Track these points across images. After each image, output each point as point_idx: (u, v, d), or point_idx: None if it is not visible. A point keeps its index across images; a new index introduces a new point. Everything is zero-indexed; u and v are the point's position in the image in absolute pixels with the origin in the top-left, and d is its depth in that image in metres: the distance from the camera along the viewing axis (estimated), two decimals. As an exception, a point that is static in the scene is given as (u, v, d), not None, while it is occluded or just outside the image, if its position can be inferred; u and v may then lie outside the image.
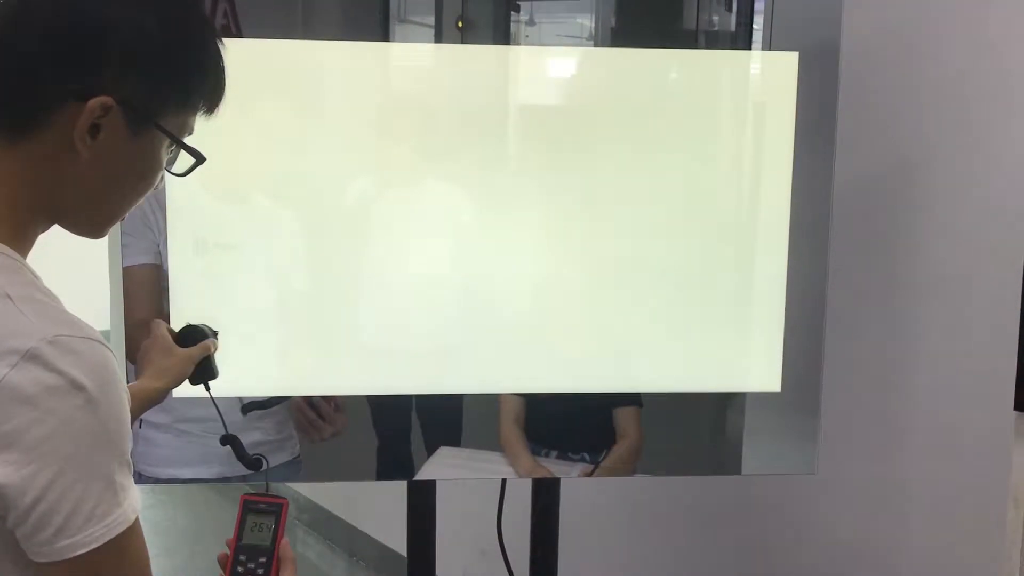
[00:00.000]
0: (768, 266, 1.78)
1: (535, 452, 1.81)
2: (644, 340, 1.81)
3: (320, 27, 1.82)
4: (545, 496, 1.88)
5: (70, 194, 0.90)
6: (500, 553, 1.84)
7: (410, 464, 1.82)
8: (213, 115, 0.96)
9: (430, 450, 1.80)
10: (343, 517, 4.10)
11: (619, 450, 1.83)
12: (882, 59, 1.94)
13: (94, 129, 0.86)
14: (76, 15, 0.86)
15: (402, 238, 1.77)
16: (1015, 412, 1.25)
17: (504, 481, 1.85)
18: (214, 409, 1.38)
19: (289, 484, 4.54)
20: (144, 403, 1.35)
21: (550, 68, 1.90)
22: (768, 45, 1.81)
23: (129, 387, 1.36)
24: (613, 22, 2.01)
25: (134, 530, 0.86)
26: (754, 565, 2.23)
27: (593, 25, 2.00)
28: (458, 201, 1.79)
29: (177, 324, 1.46)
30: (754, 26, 1.87)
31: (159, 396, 1.35)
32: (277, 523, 1.16)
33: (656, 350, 1.81)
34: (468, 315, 1.77)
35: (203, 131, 1.69)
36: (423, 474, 1.81)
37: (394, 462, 1.86)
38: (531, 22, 1.95)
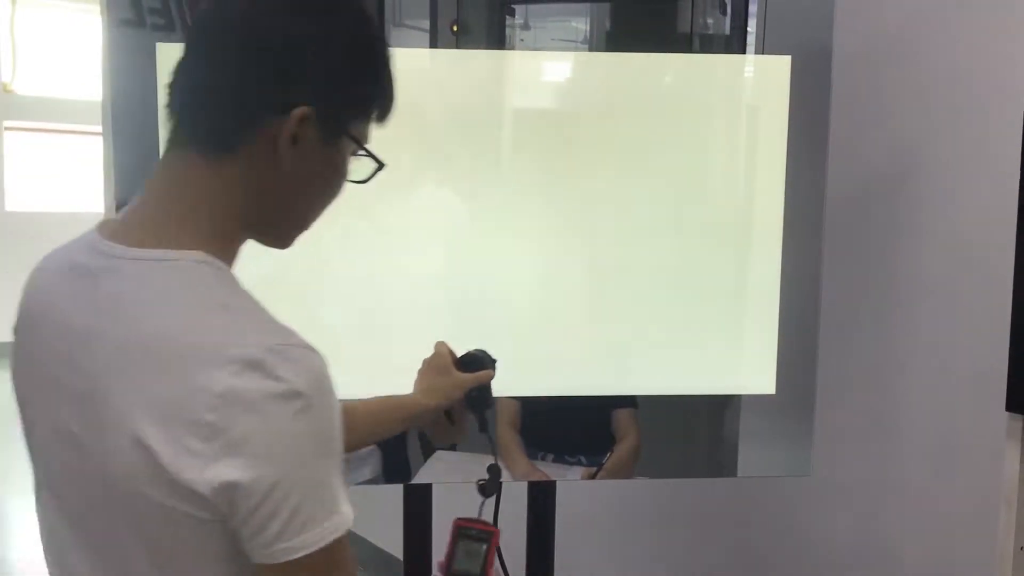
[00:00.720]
0: (762, 269, 1.79)
1: (531, 456, 1.81)
2: (640, 343, 1.81)
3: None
4: (541, 499, 1.88)
5: (269, 204, 0.93)
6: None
7: (407, 468, 1.82)
8: (383, 123, 1.00)
9: (426, 454, 1.81)
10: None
11: (620, 452, 1.83)
12: (874, 63, 1.95)
13: (293, 140, 0.90)
14: (277, 36, 0.90)
15: (398, 244, 1.77)
16: (1007, 413, 1.26)
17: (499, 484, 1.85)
18: None
19: None
20: (409, 419, 1.37)
21: (545, 72, 1.90)
22: (761, 49, 1.82)
23: (397, 399, 1.37)
24: (607, 26, 2.02)
25: (345, 538, 0.86)
26: (749, 567, 2.23)
27: (588, 29, 2.01)
28: (455, 206, 1.79)
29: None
30: (747, 30, 1.88)
31: (426, 414, 1.37)
32: (487, 551, 1.16)
33: (651, 353, 1.81)
34: (464, 319, 1.77)
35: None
36: (419, 478, 1.81)
37: (391, 466, 1.87)
38: (526, 26, 1.95)
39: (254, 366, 0.81)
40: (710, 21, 1.97)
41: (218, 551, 0.86)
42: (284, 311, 0.88)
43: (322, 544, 0.84)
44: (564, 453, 1.83)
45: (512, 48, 1.89)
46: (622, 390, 1.82)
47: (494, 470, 1.28)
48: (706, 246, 1.79)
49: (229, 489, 0.81)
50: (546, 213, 1.76)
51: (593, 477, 1.85)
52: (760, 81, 1.82)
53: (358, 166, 0.98)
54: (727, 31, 1.94)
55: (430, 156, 1.78)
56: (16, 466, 5.14)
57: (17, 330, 1.00)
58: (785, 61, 1.74)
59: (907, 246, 1.94)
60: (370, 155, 0.97)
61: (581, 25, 2.03)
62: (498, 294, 1.78)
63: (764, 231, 1.79)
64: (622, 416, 1.86)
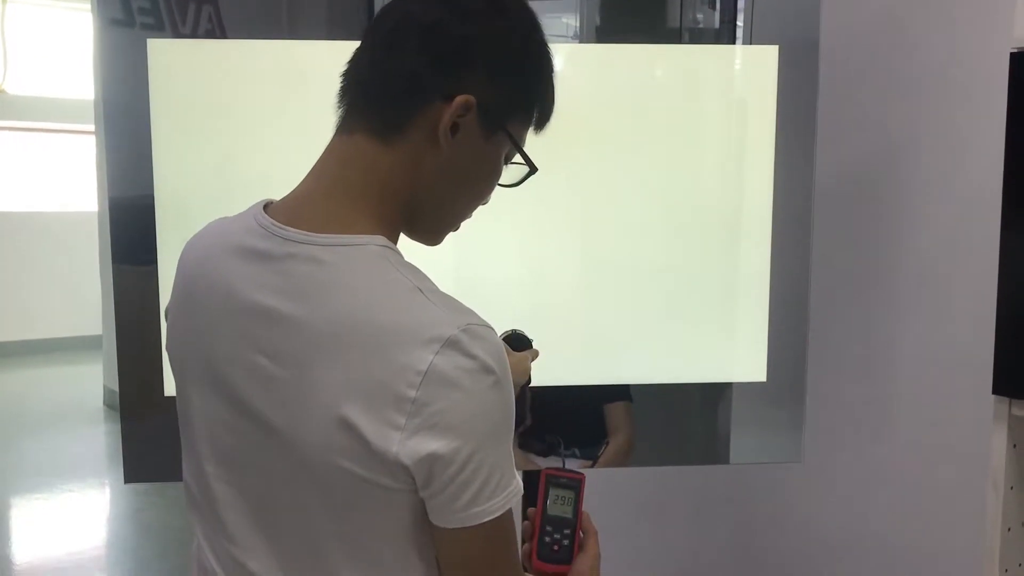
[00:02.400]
0: (752, 259, 1.80)
1: (525, 449, 1.82)
2: (633, 333, 1.82)
3: (306, 27, 1.83)
4: (534, 490, 1.89)
5: (426, 192, 0.96)
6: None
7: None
8: (541, 131, 1.02)
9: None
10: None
11: (614, 447, 1.85)
12: (861, 54, 1.97)
13: (454, 127, 0.93)
14: (452, 28, 0.93)
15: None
16: (994, 396, 1.28)
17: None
18: None
19: None
20: None
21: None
22: (749, 40, 1.84)
23: None
24: (597, 18, 2.03)
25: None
26: (741, 554, 2.25)
27: (578, 23, 2.02)
28: None
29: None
30: (736, 21, 1.89)
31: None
32: (577, 496, 1.18)
33: (645, 343, 1.83)
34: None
35: (193, 136, 1.70)
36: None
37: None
38: None
39: (451, 345, 0.86)
40: (698, 13, 1.98)
41: (403, 518, 0.91)
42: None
43: (506, 508, 0.90)
44: (559, 446, 1.85)
45: None
46: (617, 380, 1.84)
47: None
48: (697, 237, 1.81)
49: (430, 459, 0.86)
50: (538, 205, 1.77)
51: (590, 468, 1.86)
52: (748, 72, 1.83)
53: (510, 172, 1.01)
54: (716, 22, 1.96)
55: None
56: (18, 465, 5.16)
57: (178, 310, 1.02)
58: (773, 51, 1.76)
59: (895, 235, 1.96)
60: (524, 157, 1.00)
61: (571, 20, 2.04)
62: (492, 286, 1.79)
63: (754, 221, 1.80)
64: (616, 410, 1.88)
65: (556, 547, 1.15)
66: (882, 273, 1.98)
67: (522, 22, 0.97)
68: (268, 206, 0.98)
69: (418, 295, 0.89)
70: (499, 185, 1.01)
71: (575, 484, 1.18)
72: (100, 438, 5.79)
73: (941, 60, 1.84)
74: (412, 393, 0.84)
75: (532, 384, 1.44)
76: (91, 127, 6.24)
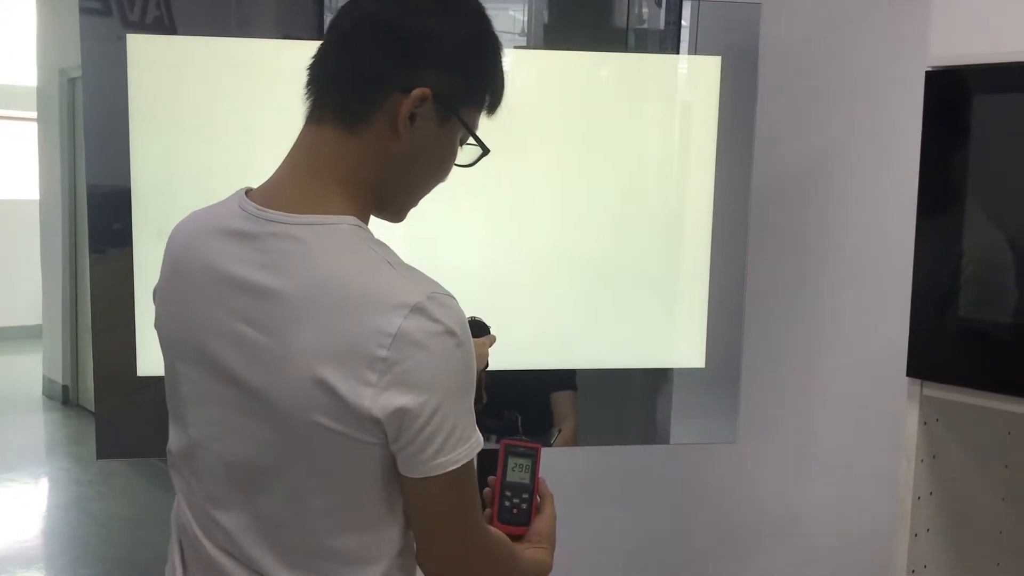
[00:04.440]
0: (693, 254, 1.92)
1: (485, 428, 1.91)
2: (581, 321, 1.92)
3: (257, 26, 1.89)
4: (484, 477, 1.98)
5: (389, 176, 1.05)
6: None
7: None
8: (493, 115, 1.11)
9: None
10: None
11: (565, 434, 1.94)
12: (797, 65, 2.09)
13: (412, 117, 1.02)
14: (407, 25, 1.02)
15: None
16: (907, 378, 1.41)
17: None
18: None
19: None
20: None
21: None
22: (694, 50, 1.95)
23: None
24: (548, 25, 2.12)
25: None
26: (679, 530, 2.37)
27: (526, 21, 2.09)
28: None
29: None
30: (681, 32, 2.00)
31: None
32: (534, 465, 1.26)
33: (593, 330, 1.93)
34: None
35: (166, 127, 1.76)
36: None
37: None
38: None
39: (418, 310, 0.95)
40: (645, 23, 2.09)
41: (374, 471, 1.00)
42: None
43: (469, 458, 0.99)
44: (509, 434, 1.94)
45: None
46: (565, 365, 1.94)
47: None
48: (643, 232, 1.91)
49: (399, 413, 0.95)
50: (494, 200, 1.86)
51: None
52: (692, 80, 1.94)
53: (465, 153, 1.10)
54: (661, 32, 2.07)
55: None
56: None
57: (166, 290, 1.10)
58: (715, 61, 1.88)
59: (825, 234, 2.09)
60: (477, 140, 1.09)
61: (519, 14, 2.11)
62: (447, 275, 1.87)
63: (696, 219, 1.92)
64: (563, 399, 1.98)
65: (515, 510, 1.23)
66: (812, 268, 2.12)
67: (471, 16, 1.06)
68: (249, 192, 1.06)
69: (387, 267, 0.98)
70: (456, 165, 1.10)
71: (532, 453, 1.26)
72: (40, 428, 5.72)
73: (868, 73, 1.97)
74: (383, 353, 0.93)
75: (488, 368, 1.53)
76: (32, 114, 6.16)
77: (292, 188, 1.03)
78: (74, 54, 5.78)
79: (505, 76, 1.10)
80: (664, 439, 2.05)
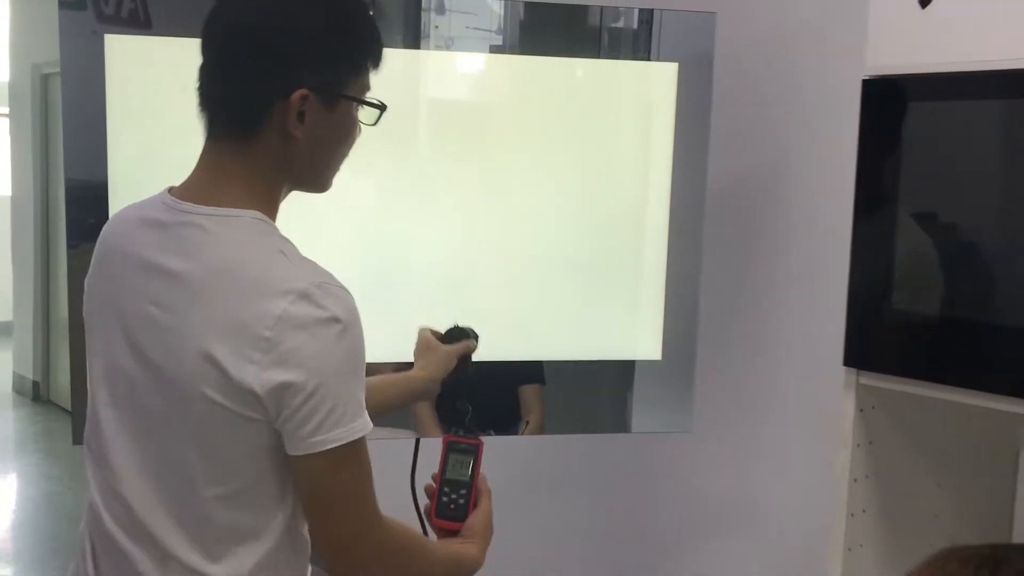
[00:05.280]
0: (652, 252, 2.01)
1: (445, 430, 1.95)
2: (547, 316, 2.00)
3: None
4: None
5: (297, 167, 1.12)
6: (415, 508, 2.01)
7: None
8: (379, 69, 1.15)
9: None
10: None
11: (532, 426, 2.01)
12: (750, 70, 2.18)
13: (300, 116, 1.08)
14: (266, 30, 1.08)
15: (327, 226, 1.93)
16: (844, 368, 1.50)
17: (417, 441, 2.02)
18: None
19: None
20: (408, 392, 1.50)
21: (462, 72, 2.07)
22: (657, 56, 2.03)
23: (398, 375, 1.51)
24: (519, 31, 2.20)
25: (365, 441, 1.06)
26: (637, 517, 2.44)
27: (502, 16, 2.13)
28: (382, 192, 1.96)
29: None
30: (640, 39, 2.09)
31: (422, 385, 1.48)
32: (475, 461, 1.29)
33: (557, 325, 2.00)
34: (388, 295, 1.95)
35: (143, 124, 1.81)
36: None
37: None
38: (440, 9, 2.05)
39: (304, 297, 1.02)
40: (607, 30, 2.17)
41: (260, 449, 1.06)
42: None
43: (348, 440, 1.04)
44: (477, 426, 2.01)
45: (427, 34, 2.02)
46: (532, 357, 2.01)
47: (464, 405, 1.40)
48: (605, 231, 2.00)
49: (280, 389, 1.01)
50: (460, 200, 1.94)
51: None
52: (651, 85, 2.03)
53: (366, 114, 1.14)
54: (622, 39, 2.16)
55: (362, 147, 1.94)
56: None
57: (93, 278, 1.17)
58: (673, 67, 1.96)
59: (775, 232, 2.19)
60: (370, 104, 1.14)
61: (495, 6, 2.15)
62: (416, 273, 1.95)
63: (654, 218, 2.01)
64: (530, 392, 2.05)
65: (452, 506, 1.26)
66: (763, 266, 2.21)
67: (316, 4, 1.09)
68: (171, 189, 1.14)
69: (281, 256, 1.07)
70: (364, 125, 1.15)
71: (473, 449, 1.29)
72: (9, 424, 5.71)
73: (816, 80, 2.06)
74: (267, 333, 1.01)
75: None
76: (4, 109, 6.15)
77: (203, 185, 1.11)
78: (48, 49, 5.78)
79: (377, 31, 1.14)
80: (625, 428, 2.13)
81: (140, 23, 1.79)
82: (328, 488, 1.06)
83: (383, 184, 1.94)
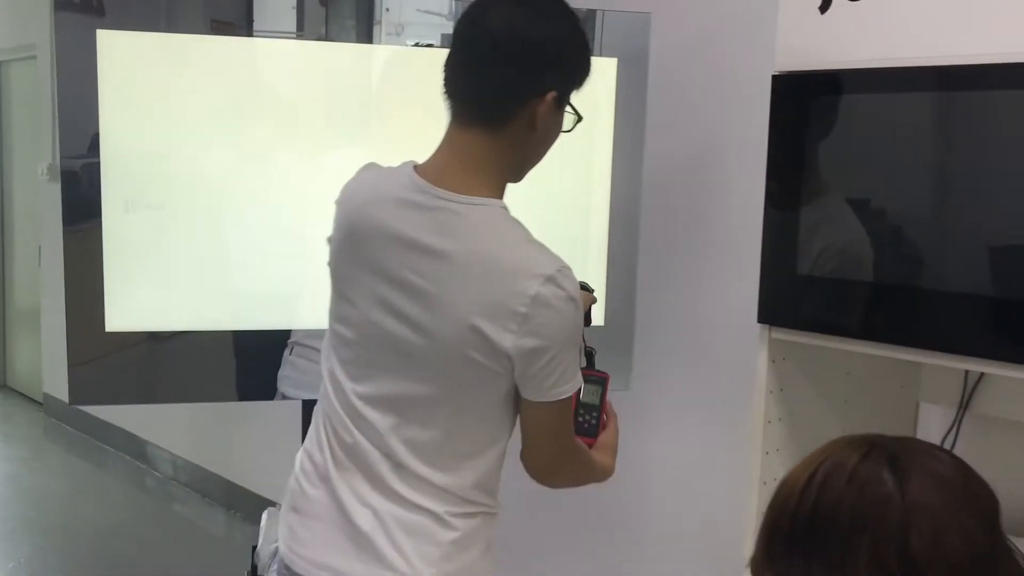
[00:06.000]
0: (595, 230, 2.21)
1: None
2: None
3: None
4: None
5: (524, 158, 1.37)
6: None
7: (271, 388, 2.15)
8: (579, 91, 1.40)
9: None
10: (220, 473, 4.33)
11: None
12: (683, 66, 2.36)
13: (544, 116, 1.32)
14: (531, 39, 1.30)
15: (257, 200, 2.08)
16: (758, 324, 1.71)
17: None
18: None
19: (168, 448, 4.70)
20: None
21: (402, 65, 2.16)
22: (599, 52, 2.18)
23: None
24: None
25: None
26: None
27: (451, 5, 2.25)
28: (302, 172, 2.10)
29: None
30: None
31: None
32: (603, 390, 1.55)
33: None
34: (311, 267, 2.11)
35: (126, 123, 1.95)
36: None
37: (256, 386, 2.20)
38: (393, 29, 2.19)
39: (550, 280, 1.27)
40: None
41: (500, 392, 1.34)
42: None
43: (572, 392, 1.35)
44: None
45: (378, 20, 2.16)
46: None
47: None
48: (553, 211, 2.15)
49: (529, 352, 1.28)
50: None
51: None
52: (595, 79, 2.19)
53: (566, 121, 1.39)
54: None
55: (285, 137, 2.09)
56: None
57: (342, 240, 1.38)
58: (612, 62, 2.15)
59: (705, 211, 2.39)
60: (577, 114, 1.40)
61: (445, 14, 2.26)
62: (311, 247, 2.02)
63: (597, 199, 2.19)
64: None
65: (586, 425, 1.52)
66: (693, 241, 2.43)
67: (568, 17, 1.35)
68: (416, 168, 1.35)
69: (530, 244, 1.32)
70: (563, 132, 1.41)
71: (601, 380, 1.55)
72: (-32, 410, 5.78)
73: (743, 75, 2.24)
74: (523, 310, 1.26)
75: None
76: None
77: (454, 174, 1.33)
78: (2, 36, 5.78)
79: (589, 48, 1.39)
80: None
81: (92, 9, 1.91)
82: (548, 424, 1.36)
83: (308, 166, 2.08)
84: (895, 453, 0.87)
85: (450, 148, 1.35)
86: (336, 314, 1.41)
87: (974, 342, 1.43)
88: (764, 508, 0.86)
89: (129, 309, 1.98)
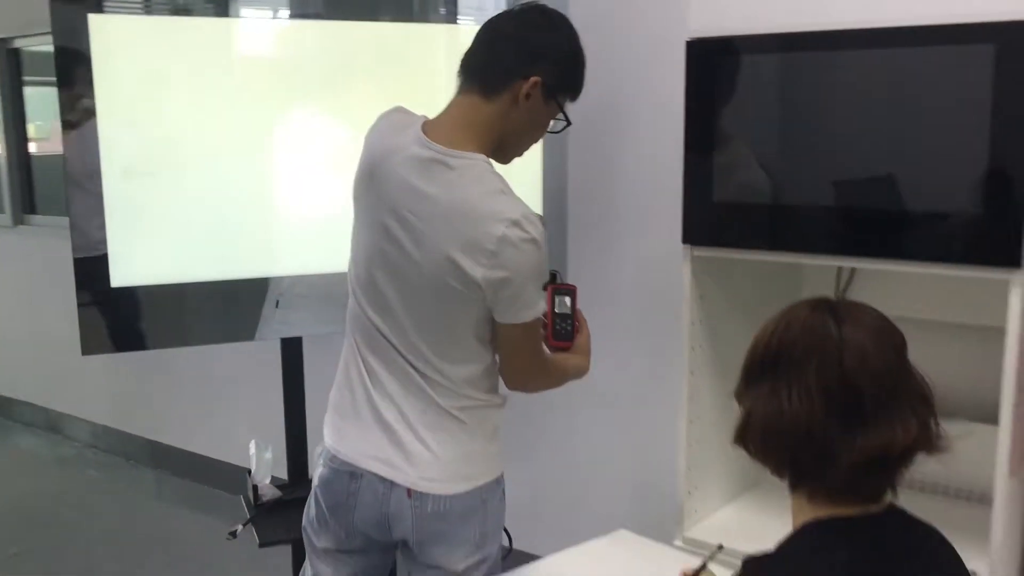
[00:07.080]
0: (529, 177, 2.46)
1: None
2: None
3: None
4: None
5: (507, 131, 1.64)
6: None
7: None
8: (574, 101, 1.70)
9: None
10: (143, 435, 4.43)
11: None
12: (602, 32, 2.56)
13: (527, 96, 1.61)
14: (529, 38, 1.63)
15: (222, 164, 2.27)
16: (682, 244, 2.00)
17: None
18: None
19: (85, 417, 4.70)
20: None
21: (325, 38, 2.38)
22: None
23: None
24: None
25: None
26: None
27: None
28: (258, 138, 2.33)
29: None
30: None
31: None
32: (573, 299, 1.80)
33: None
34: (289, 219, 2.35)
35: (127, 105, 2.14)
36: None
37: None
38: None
39: (515, 223, 1.53)
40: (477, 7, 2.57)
41: (476, 314, 1.62)
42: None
43: (535, 316, 1.64)
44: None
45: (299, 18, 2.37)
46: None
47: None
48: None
49: (497, 282, 1.56)
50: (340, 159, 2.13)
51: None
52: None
53: (557, 124, 1.69)
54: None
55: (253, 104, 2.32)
56: None
57: (364, 180, 1.67)
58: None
59: (627, 157, 2.70)
60: (565, 116, 1.69)
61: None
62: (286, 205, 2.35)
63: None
64: None
65: (563, 331, 1.80)
66: (621, 182, 2.74)
67: (569, 34, 1.66)
68: (424, 124, 1.62)
69: (502, 194, 1.56)
70: (549, 132, 1.70)
71: (570, 291, 1.81)
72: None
73: (661, 40, 2.54)
74: (491, 247, 1.53)
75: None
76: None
77: (450, 131, 1.61)
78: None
79: (585, 78, 1.68)
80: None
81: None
82: (518, 341, 1.66)
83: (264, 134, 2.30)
84: (835, 307, 1.17)
85: (450, 113, 1.66)
86: (356, 242, 1.71)
87: (844, 244, 1.82)
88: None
89: (132, 267, 2.19)
